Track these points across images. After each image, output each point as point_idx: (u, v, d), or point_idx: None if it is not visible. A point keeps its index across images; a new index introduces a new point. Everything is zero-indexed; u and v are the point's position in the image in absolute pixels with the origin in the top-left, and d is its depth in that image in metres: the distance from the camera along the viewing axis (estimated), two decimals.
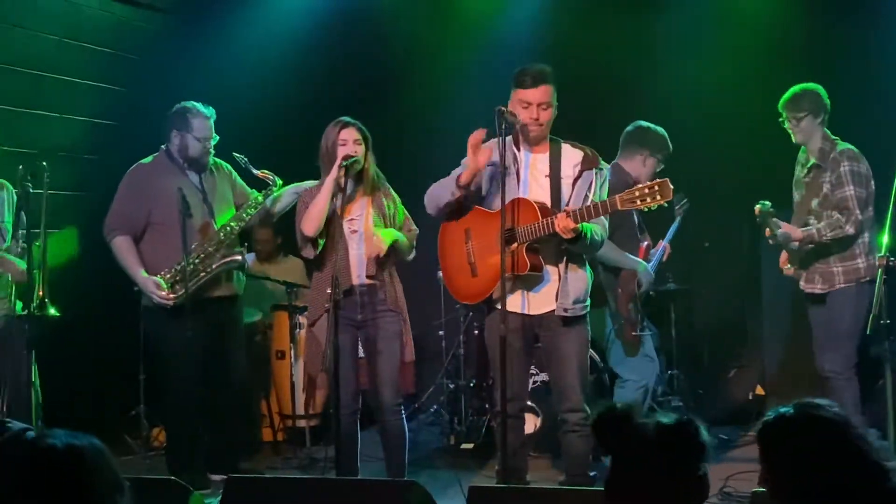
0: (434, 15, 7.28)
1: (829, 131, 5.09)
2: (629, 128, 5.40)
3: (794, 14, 6.55)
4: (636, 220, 5.34)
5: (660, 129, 5.39)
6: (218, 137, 5.22)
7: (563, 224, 4.01)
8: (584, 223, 4.08)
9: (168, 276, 5.03)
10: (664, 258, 5.61)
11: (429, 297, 6.42)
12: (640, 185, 3.99)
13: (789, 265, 5.30)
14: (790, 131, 5.11)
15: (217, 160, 5.32)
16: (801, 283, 5.19)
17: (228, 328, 5.29)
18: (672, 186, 3.89)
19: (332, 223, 4.57)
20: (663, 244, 5.61)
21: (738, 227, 6.44)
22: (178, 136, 5.16)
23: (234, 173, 5.41)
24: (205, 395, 5.17)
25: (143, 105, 6.38)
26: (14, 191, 4.96)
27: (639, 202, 3.92)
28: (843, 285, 5.04)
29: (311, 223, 4.57)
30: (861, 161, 5.01)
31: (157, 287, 5.01)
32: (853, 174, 4.94)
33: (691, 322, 7.00)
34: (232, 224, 5.15)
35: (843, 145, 5.04)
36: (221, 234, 5.11)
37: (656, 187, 3.89)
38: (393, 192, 4.81)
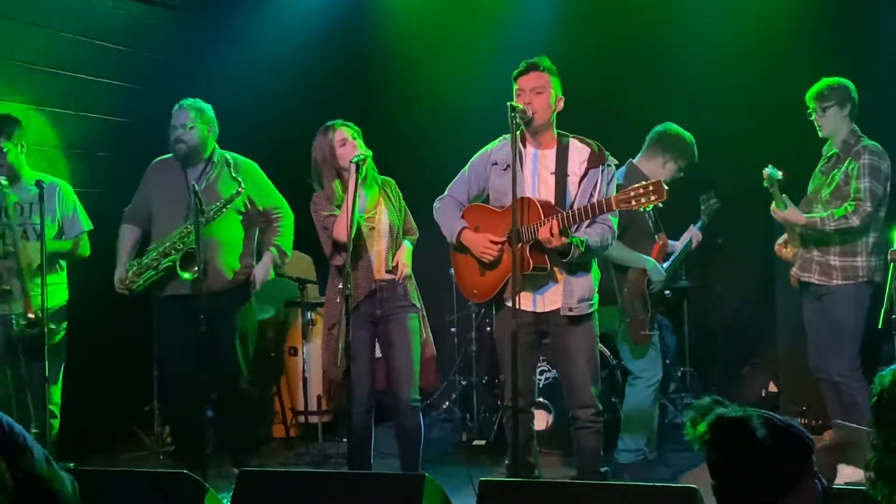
0: (448, 10, 7.29)
1: (857, 127, 4.99)
2: (658, 128, 5.32)
3: (819, 8, 6.49)
4: (652, 218, 5.33)
5: (688, 136, 5.30)
6: (193, 130, 5.22)
7: (544, 235, 4.03)
8: (575, 237, 4.10)
9: (136, 267, 5.22)
10: (693, 245, 5.54)
11: (441, 294, 6.43)
12: (634, 185, 3.97)
13: (787, 248, 5.23)
14: (816, 125, 5.02)
15: (235, 157, 5.31)
16: (795, 270, 5.11)
17: (220, 323, 5.23)
18: (666, 187, 3.90)
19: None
20: (695, 229, 5.54)
21: (752, 224, 6.42)
22: None
23: (255, 174, 5.36)
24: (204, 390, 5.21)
25: (157, 102, 6.39)
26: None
27: (633, 202, 3.92)
28: (839, 282, 4.95)
29: (344, 229, 4.46)
30: (883, 158, 4.91)
31: (119, 277, 5.26)
32: (872, 168, 4.85)
33: (705, 319, 7.00)
34: (189, 227, 5.09)
35: (869, 142, 4.95)
36: (178, 235, 5.12)
37: (651, 187, 3.89)
38: (394, 184, 4.83)
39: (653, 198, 3.88)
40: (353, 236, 4.44)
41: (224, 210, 5.14)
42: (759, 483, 2.09)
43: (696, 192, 5.64)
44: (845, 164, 4.93)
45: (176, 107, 5.29)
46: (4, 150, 5.07)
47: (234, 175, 5.14)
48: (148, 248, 5.25)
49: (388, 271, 4.66)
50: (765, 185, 4.93)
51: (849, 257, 4.94)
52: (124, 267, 5.27)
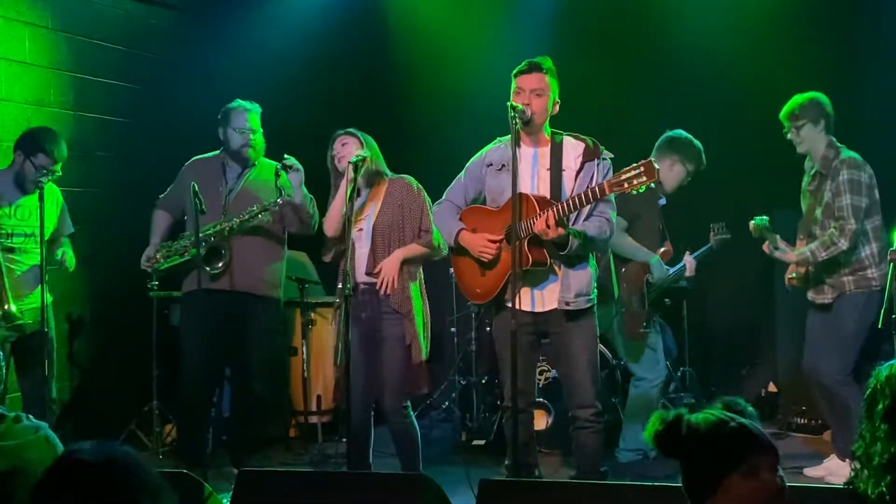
0: (448, 12, 7.29)
1: (834, 139, 4.99)
2: (669, 133, 5.37)
3: (811, 16, 6.47)
4: (660, 224, 5.33)
5: (696, 142, 5.35)
6: (258, 134, 5.28)
7: (540, 227, 4.03)
8: (573, 228, 4.10)
9: (164, 250, 5.30)
10: (686, 272, 5.56)
11: (441, 294, 6.42)
12: (624, 169, 3.97)
13: (793, 275, 5.20)
14: (794, 142, 5.05)
15: (270, 162, 5.33)
16: (811, 294, 5.11)
17: (245, 325, 5.29)
18: (658, 167, 3.91)
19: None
20: (689, 257, 5.57)
21: None
22: (221, 133, 5.33)
23: (281, 180, 5.34)
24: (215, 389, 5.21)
25: (156, 102, 6.43)
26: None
27: (626, 185, 3.93)
28: (853, 291, 4.95)
29: (330, 224, 4.72)
30: (862, 170, 4.89)
31: (147, 254, 5.31)
32: (851, 183, 4.84)
33: (704, 319, 6.99)
34: (225, 224, 5.15)
35: (847, 153, 4.94)
36: (211, 227, 5.14)
37: (641, 168, 3.90)
38: (410, 180, 4.80)
39: (644, 178, 3.89)
40: (340, 233, 4.60)
41: (259, 217, 5.16)
42: (696, 482, 2.12)
43: (707, 219, 5.67)
44: (828, 182, 4.93)
45: (238, 108, 5.29)
46: (59, 173, 5.08)
47: (279, 185, 5.15)
48: (183, 234, 5.32)
49: (367, 273, 4.66)
50: (755, 236, 4.98)
51: (858, 272, 4.96)
52: (154, 247, 5.33)
